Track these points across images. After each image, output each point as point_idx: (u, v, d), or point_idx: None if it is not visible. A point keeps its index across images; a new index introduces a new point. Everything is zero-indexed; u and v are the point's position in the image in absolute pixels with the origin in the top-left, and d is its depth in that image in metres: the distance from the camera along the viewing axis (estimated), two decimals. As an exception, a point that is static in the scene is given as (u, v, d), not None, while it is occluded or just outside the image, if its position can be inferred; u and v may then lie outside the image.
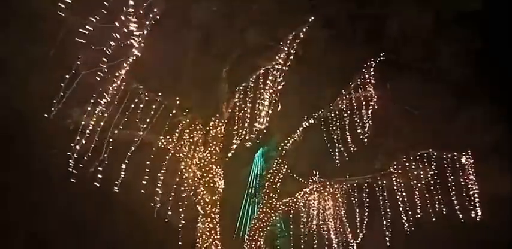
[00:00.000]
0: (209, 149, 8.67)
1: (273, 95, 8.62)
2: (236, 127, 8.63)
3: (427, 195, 10.46)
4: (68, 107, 6.58)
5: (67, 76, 6.24)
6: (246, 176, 12.29)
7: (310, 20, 8.53)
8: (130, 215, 8.78)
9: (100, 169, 6.74)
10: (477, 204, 10.43)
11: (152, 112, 7.34)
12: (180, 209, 7.73)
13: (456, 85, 11.07)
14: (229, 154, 9.07)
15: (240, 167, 11.83)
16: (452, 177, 10.63)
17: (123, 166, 7.29)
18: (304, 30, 8.49)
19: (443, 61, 11.04)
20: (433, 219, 10.37)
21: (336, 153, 9.81)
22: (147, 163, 7.55)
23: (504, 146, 11.43)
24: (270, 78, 8.41)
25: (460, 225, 10.56)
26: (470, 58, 11.01)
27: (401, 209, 10.28)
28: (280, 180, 9.72)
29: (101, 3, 6.20)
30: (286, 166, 10.02)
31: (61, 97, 6.22)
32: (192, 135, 8.25)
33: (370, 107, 10.31)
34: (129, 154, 7.28)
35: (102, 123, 6.78)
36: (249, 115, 8.62)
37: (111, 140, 7.05)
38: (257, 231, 8.98)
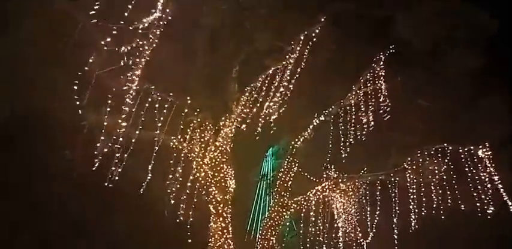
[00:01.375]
0: (220, 148, 8.66)
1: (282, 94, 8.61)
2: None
3: (444, 190, 10.27)
4: (80, 108, 6.62)
5: (77, 77, 6.26)
6: (257, 176, 12.25)
7: (322, 19, 8.44)
8: (141, 214, 8.82)
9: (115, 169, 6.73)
10: (504, 195, 10.14)
11: (164, 112, 7.34)
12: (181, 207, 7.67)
13: (469, 77, 10.88)
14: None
15: (251, 166, 11.80)
16: (470, 171, 10.39)
17: (136, 165, 7.29)
18: (317, 31, 8.41)
19: (455, 53, 10.86)
20: (451, 215, 10.17)
21: (346, 150, 9.71)
22: (160, 162, 7.56)
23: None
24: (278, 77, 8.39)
25: (478, 220, 10.34)
26: (483, 50, 10.79)
27: (415, 205, 10.10)
28: (291, 179, 9.64)
29: (112, 5, 6.25)
30: (297, 165, 9.93)
31: (73, 97, 6.24)
32: (202, 135, 8.26)
33: (381, 102, 10.20)
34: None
35: (124, 125, 6.77)
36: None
37: (133, 141, 7.06)
38: (269, 230, 8.94)
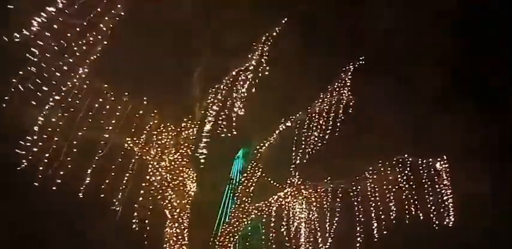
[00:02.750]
0: (180, 151, 8.44)
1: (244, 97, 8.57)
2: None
3: (402, 200, 10.52)
4: (25, 106, 6.25)
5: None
6: (226, 178, 11.99)
7: (283, 21, 8.48)
8: (94, 219, 8.46)
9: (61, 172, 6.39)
10: (451, 209, 10.53)
11: (118, 113, 7.05)
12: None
13: (432, 90, 11.25)
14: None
15: (219, 168, 11.56)
16: (427, 182, 10.71)
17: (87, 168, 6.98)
18: (277, 30, 8.42)
19: (420, 67, 11.20)
20: (408, 225, 10.42)
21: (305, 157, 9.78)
22: (112, 165, 7.27)
23: (480, 150, 11.66)
24: (242, 78, 8.33)
25: (435, 230, 10.65)
26: (447, 64, 11.18)
27: (374, 214, 10.28)
28: (253, 184, 9.54)
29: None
30: (261, 170, 9.85)
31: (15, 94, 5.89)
32: (160, 137, 8.00)
33: (347, 111, 10.38)
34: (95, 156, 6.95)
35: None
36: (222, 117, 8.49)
37: (74, 142, 6.72)
38: (227, 237, 8.77)
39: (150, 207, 7.70)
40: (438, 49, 11.11)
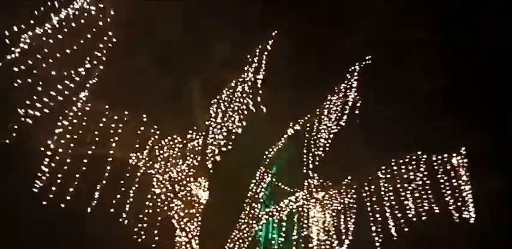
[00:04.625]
0: (187, 162, 8.73)
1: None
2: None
3: (418, 199, 10.35)
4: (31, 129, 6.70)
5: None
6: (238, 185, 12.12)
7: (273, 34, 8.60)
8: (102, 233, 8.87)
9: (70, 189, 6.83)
10: (470, 205, 10.26)
11: (120, 131, 7.41)
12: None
13: (445, 87, 10.94)
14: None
15: (233, 176, 11.75)
16: (444, 179, 10.47)
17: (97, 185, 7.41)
18: (270, 43, 8.53)
19: (432, 62, 10.91)
20: (426, 223, 10.25)
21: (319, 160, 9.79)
22: (119, 180, 7.66)
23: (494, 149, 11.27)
24: (240, 89, 8.50)
25: (454, 227, 10.42)
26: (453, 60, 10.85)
27: (389, 214, 10.16)
28: (262, 190, 9.68)
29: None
30: (269, 175, 9.96)
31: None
32: (161, 151, 8.32)
33: (355, 112, 10.33)
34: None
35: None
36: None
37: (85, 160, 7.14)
38: (237, 243, 8.96)
39: (159, 218, 8.03)
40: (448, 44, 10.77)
